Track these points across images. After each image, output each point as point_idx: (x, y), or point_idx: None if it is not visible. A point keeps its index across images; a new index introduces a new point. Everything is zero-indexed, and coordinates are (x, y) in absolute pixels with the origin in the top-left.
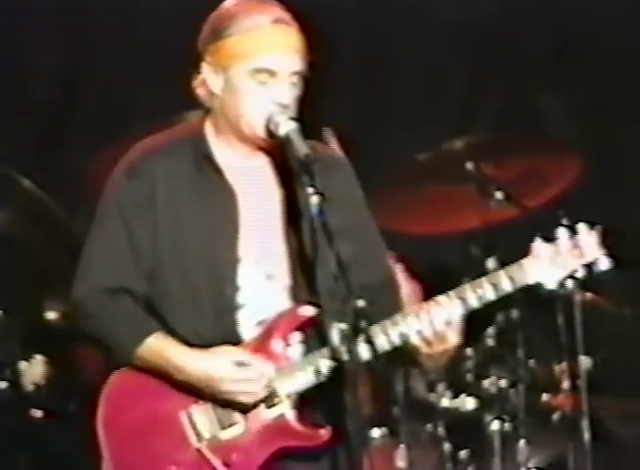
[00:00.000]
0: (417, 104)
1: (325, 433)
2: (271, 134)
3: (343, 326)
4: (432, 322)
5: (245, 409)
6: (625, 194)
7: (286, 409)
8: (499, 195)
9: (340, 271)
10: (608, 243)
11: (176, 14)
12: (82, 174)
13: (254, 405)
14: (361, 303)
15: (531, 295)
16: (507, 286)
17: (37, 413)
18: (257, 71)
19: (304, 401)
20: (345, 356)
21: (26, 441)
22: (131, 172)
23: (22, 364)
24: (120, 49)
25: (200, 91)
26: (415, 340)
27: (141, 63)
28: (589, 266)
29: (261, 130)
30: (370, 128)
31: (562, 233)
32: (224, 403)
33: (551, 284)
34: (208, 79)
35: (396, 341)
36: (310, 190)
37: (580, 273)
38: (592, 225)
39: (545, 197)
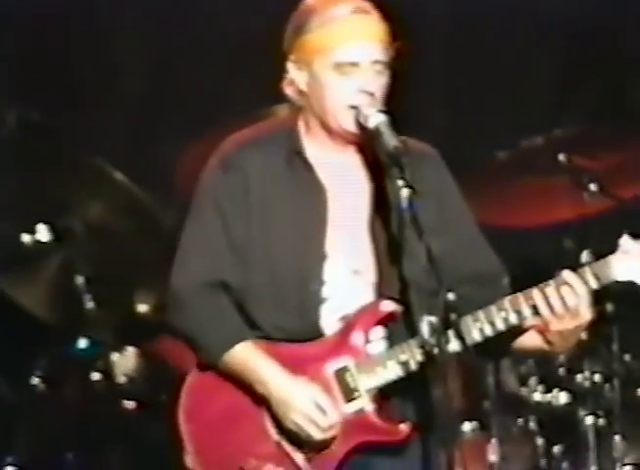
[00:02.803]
0: (508, 95)
1: (405, 428)
2: (361, 127)
3: (434, 319)
4: (562, 298)
5: (298, 442)
6: None
7: (365, 404)
8: (593, 187)
9: (430, 265)
10: None
11: (267, 7)
12: (173, 168)
13: (304, 445)
14: (451, 296)
15: (627, 288)
16: (593, 283)
17: (130, 404)
18: (339, 64)
19: (385, 396)
20: (436, 350)
21: (120, 432)
22: (226, 164)
23: (115, 356)
24: (210, 43)
25: (288, 90)
26: (534, 320)
27: (230, 57)
28: None
29: (349, 123)
30: (458, 123)
31: None
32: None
33: None
34: (294, 77)
35: (500, 326)
36: (400, 183)
37: None
38: None
39: None
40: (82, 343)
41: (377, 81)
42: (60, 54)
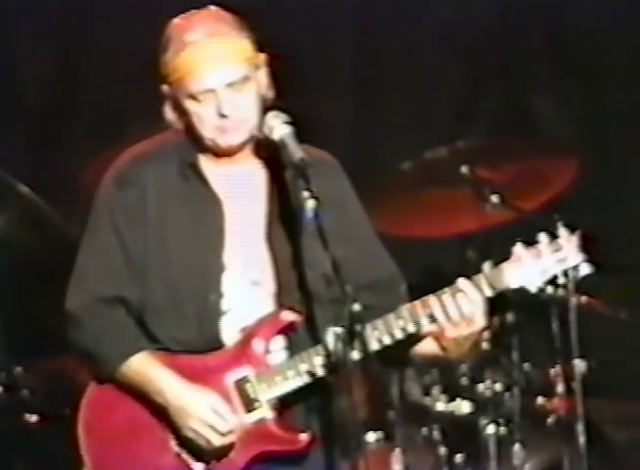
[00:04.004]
0: (412, 107)
1: (304, 437)
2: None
3: (339, 330)
4: (458, 305)
5: (197, 453)
6: (622, 196)
7: (266, 414)
8: (495, 198)
9: (335, 275)
10: (589, 247)
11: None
12: (79, 179)
13: (203, 455)
14: (357, 306)
15: (526, 298)
16: (487, 290)
17: (32, 418)
18: (193, 94)
19: (285, 406)
20: (340, 360)
21: (22, 445)
22: (121, 180)
23: (18, 369)
24: (117, 52)
25: (167, 114)
26: (431, 327)
27: (137, 66)
28: (569, 270)
29: (223, 141)
30: (365, 132)
31: (542, 237)
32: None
33: (532, 288)
34: (166, 102)
35: (399, 335)
36: (306, 194)
37: (561, 278)
38: (576, 229)
39: (541, 200)
40: None
41: (235, 101)
42: None
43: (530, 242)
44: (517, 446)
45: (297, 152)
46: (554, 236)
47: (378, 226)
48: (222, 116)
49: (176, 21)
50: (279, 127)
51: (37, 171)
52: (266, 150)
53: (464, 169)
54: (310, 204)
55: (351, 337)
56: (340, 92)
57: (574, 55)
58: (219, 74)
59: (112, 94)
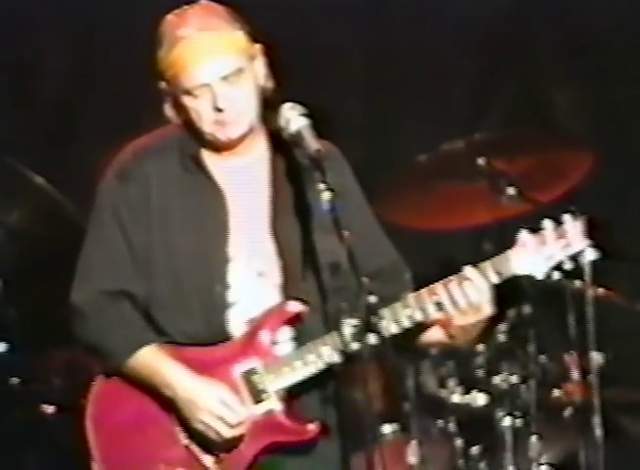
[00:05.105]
0: (428, 99)
1: (313, 428)
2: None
3: (354, 321)
4: (465, 292)
5: (206, 445)
6: (638, 188)
7: (274, 405)
8: (511, 191)
9: (351, 267)
10: (594, 233)
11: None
12: (94, 171)
13: (213, 447)
14: (372, 298)
15: (543, 290)
16: (493, 277)
17: (49, 409)
18: (188, 89)
19: (294, 396)
20: (355, 352)
21: (38, 436)
22: (123, 174)
23: (34, 360)
24: (131, 45)
25: (167, 111)
26: (438, 315)
27: (151, 57)
28: (576, 257)
29: (222, 134)
30: (381, 125)
31: (547, 224)
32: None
33: (538, 274)
34: (165, 99)
35: (406, 323)
36: (322, 186)
37: (567, 264)
38: (585, 216)
39: (557, 192)
40: (1, 347)
41: (230, 94)
42: None
43: (536, 229)
44: (533, 439)
45: (313, 144)
46: (559, 223)
47: (393, 218)
48: (218, 110)
49: (169, 16)
50: (295, 119)
51: (53, 163)
52: (278, 140)
53: (480, 162)
54: (326, 196)
55: (367, 329)
56: (356, 84)
57: (590, 47)
58: (212, 68)
59: (127, 87)
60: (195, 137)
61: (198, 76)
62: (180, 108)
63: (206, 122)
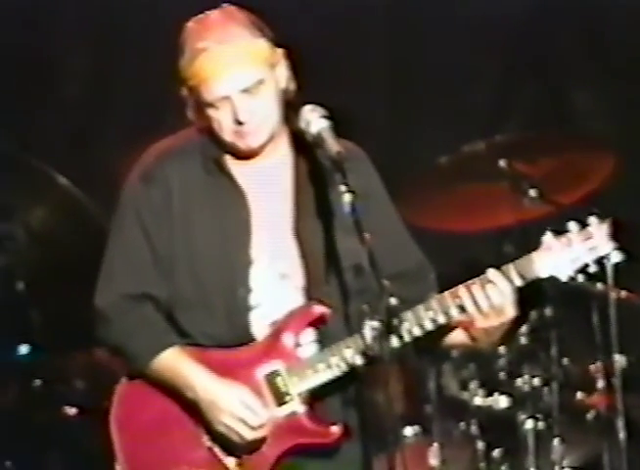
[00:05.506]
0: (449, 101)
1: (336, 430)
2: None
3: (376, 324)
4: (488, 295)
5: (228, 447)
6: None
7: (297, 407)
8: (533, 192)
9: (373, 269)
10: (620, 235)
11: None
12: (117, 172)
13: (235, 449)
14: (393, 301)
15: (565, 293)
16: (516, 280)
17: (71, 411)
18: (209, 102)
19: (317, 399)
20: (377, 354)
21: (60, 438)
22: (146, 177)
23: (57, 362)
24: (154, 46)
25: (190, 114)
26: (460, 318)
27: (175, 59)
28: (601, 259)
29: (243, 143)
30: (403, 127)
31: (572, 226)
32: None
33: (563, 277)
34: (187, 105)
35: (429, 326)
36: (343, 188)
37: (592, 266)
38: (605, 218)
39: (579, 194)
40: (23, 349)
41: (251, 107)
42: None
43: (560, 231)
44: (555, 442)
45: (334, 146)
46: (584, 225)
47: (415, 220)
48: (239, 122)
49: (190, 24)
50: (316, 121)
51: (76, 164)
52: (300, 142)
53: (502, 163)
54: (347, 198)
55: (388, 331)
56: (377, 86)
57: (612, 48)
58: (232, 81)
59: (151, 88)
60: (216, 142)
61: (218, 90)
62: (202, 115)
63: (227, 132)
